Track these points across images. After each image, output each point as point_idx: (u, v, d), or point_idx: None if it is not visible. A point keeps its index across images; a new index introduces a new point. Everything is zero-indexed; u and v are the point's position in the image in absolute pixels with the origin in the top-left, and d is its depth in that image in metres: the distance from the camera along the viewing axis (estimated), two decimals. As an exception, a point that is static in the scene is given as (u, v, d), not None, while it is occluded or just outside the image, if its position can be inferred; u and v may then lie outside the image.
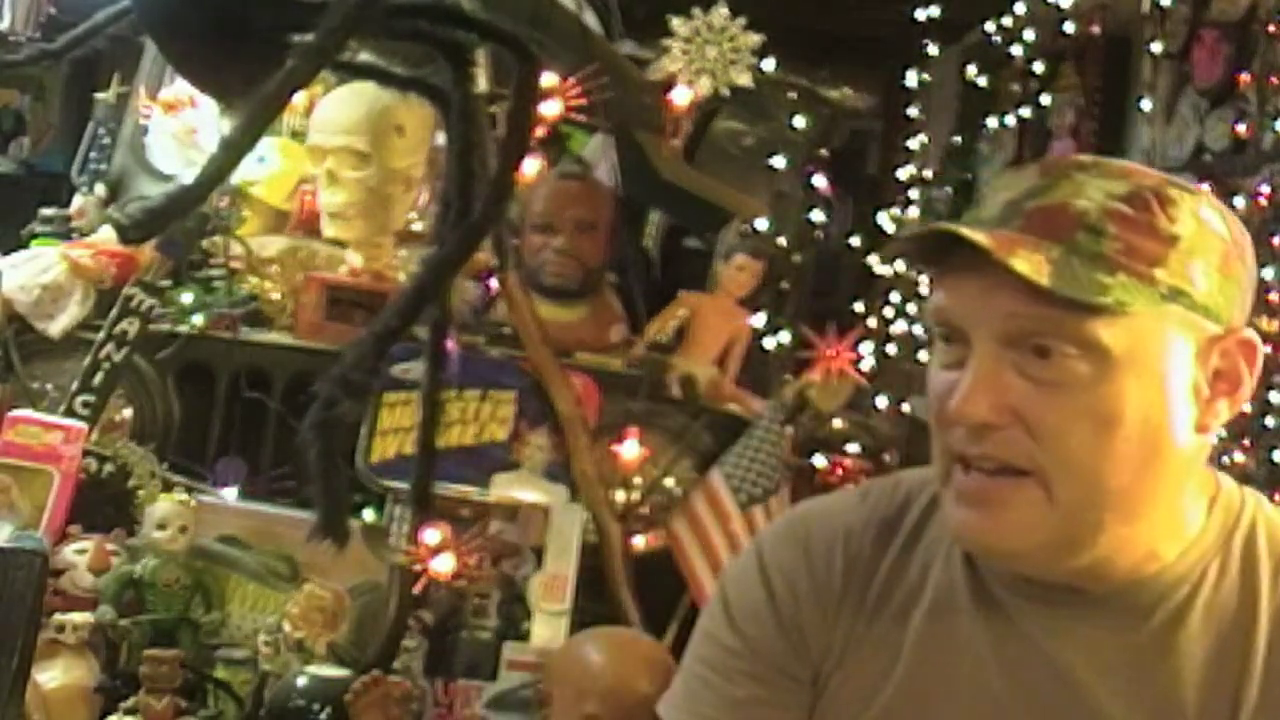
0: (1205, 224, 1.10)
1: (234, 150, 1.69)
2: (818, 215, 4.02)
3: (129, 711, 1.92)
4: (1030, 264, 1.04)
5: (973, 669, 1.16)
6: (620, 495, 2.35)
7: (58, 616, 1.97)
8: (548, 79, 2.30)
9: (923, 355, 5.78)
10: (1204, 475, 1.17)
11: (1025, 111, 5.12)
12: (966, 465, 1.10)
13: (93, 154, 2.88)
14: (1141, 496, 1.10)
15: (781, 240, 3.14)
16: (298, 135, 2.70)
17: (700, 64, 2.53)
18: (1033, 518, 1.08)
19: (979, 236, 1.06)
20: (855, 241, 6.22)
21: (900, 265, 5.95)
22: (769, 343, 3.07)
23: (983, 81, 5.66)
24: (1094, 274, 1.05)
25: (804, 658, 1.21)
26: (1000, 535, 1.10)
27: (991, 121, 5.53)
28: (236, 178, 2.62)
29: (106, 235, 2.43)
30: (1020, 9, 5.11)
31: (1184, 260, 1.07)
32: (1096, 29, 4.77)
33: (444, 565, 2.06)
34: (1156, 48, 4.19)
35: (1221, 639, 1.12)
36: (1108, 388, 1.06)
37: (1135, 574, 1.13)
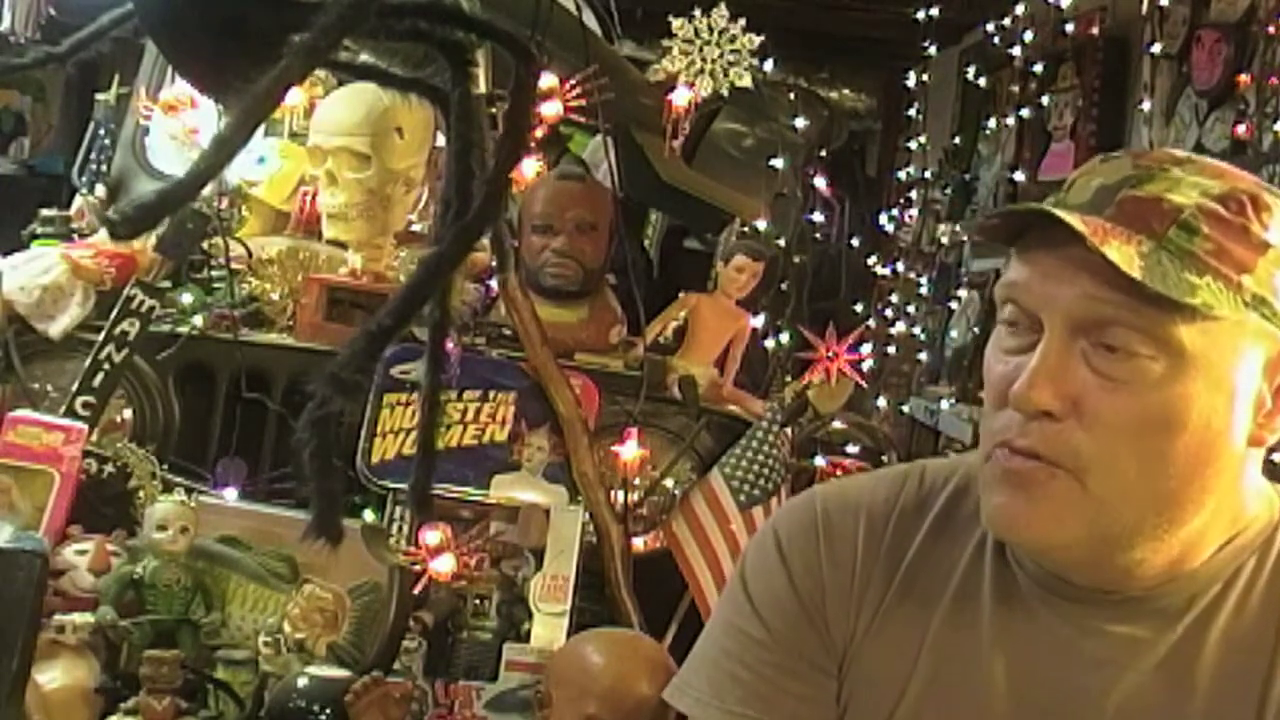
0: None
1: (225, 148, 1.68)
2: (817, 216, 4.01)
3: (129, 712, 1.92)
4: (1122, 255, 1.02)
5: (991, 664, 1.16)
6: (620, 496, 2.35)
7: (58, 617, 1.97)
8: (547, 80, 2.31)
9: (923, 356, 5.79)
10: (1253, 475, 1.15)
11: (1025, 112, 5.12)
12: (1012, 450, 1.09)
13: (93, 155, 2.88)
14: (1185, 502, 1.09)
15: (781, 241, 3.13)
16: (298, 136, 2.70)
17: (700, 65, 2.54)
18: (1069, 511, 1.07)
19: (1074, 220, 1.04)
20: (855, 242, 6.22)
21: (900, 266, 5.97)
22: (769, 344, 3.07)
23: (983, 82, 5.66)
24: (1183, 273, 1.03)
25: (831, 648, 1.20)
26: (1036, 525, 1.09)
27: (991, 122, 5.53)
28: (236, 178, 2.64)
29: (107, 236, 2.43)
30: (1020, 10, 5.11)
31: (1271, 269, 1.06)
32: (1096, 30, 4.77)
33: (444, 566, 2.07)
34: (1156, 49, 4.18)
35: (1252, 635, 1.12)
36: (1176, 389, 1.05)
37: (1170, 573, 1.12)
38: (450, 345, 2.09)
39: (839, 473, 2.65)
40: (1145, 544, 1.10)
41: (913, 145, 5.92)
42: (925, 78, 5.70)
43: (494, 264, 2.40)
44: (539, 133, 2.37)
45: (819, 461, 2.65)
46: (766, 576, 1.23)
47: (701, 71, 2.53)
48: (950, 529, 1.21)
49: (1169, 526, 1.09)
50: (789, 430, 2.44)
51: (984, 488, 1.12)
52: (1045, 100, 5.01)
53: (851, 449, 2.83)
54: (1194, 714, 1.11)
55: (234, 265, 2.50)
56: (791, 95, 5.51)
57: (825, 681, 1.20)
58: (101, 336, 2.31)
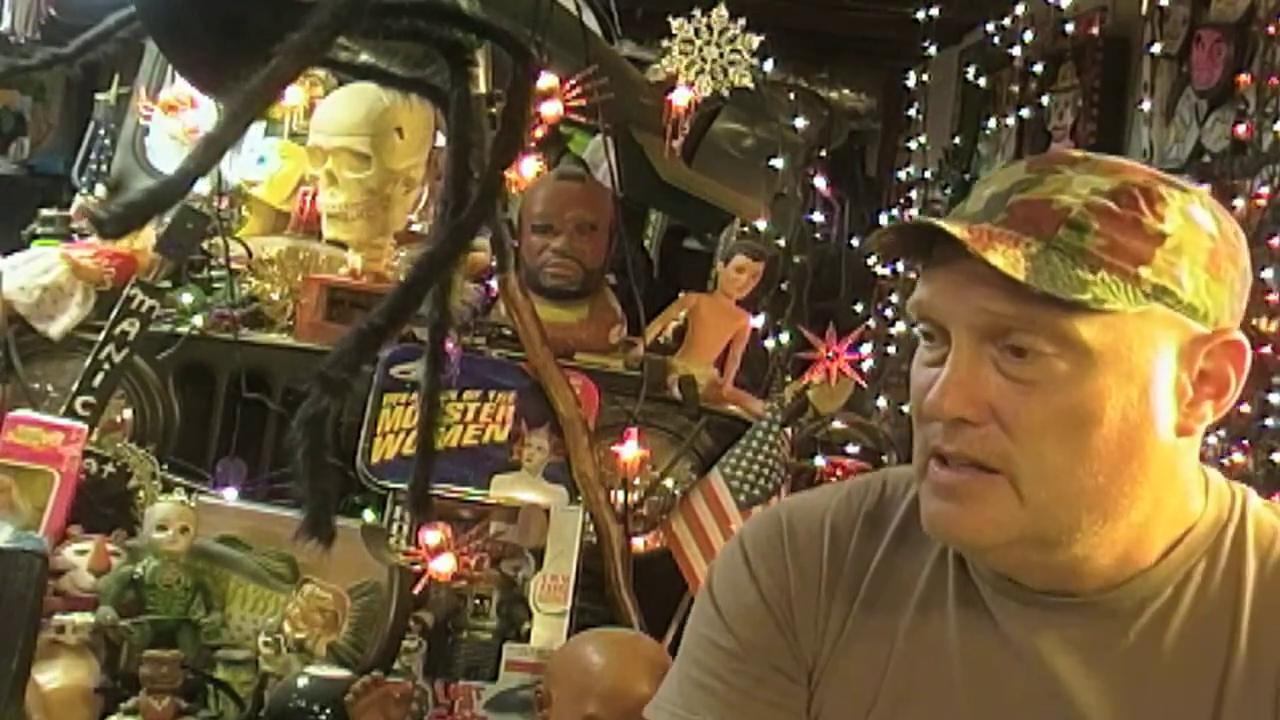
0: (1194, 223, 1.08)
1: (215, 147, 1.68)
2: (817, 216, 4.02)
3: (129, 712, 1.92)
4: (1007, 259, 1.03)
5: (956, 671, 1.16)
6: (620, 496, 2.35)
7: (58, 617, 1.97)
8: (547, 80, 2.31)
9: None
10: (1194, 474, 1.15)
11: (1025, 112, 5.13)
12: (943, 460, 1.10)
13: (93, 155, 2.88)
14: (1118, 497, 1.09)
15: (781, 241, 3.13)
16: (298, 136, 2.70)
17: (700, 65, 2.54)
18: (1003, 514, 1.08)
19: (956, 230, 1.05)
20: (855, 242, 6.22)
21: (900, 266, 5.97)
22: (769, 344, 3.07)
23: (982, 82, 5.66)
24: (1074, 270, 1.04)
25: (799, 657, 1.21)
26: (971, 529, 1.10)
27: (991, 122, 5.54)
28: (236, 178, 2.64)
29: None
30: (1020, 10, 5.12)
31: (1170, 259, 1.06)
32: (1096, 30, 4.78)
33: (444, 566, 2.07)
34: (1156, 49, 4.19)
35: (1206, 637, 1.12)
36: (1086, 386, 1.06)
37: (1120, 574, 1.12)
38: (450, 345, 2.09)
39: (839, 473, 2.65)
40: (1086, 541, 1.10)
41: (913, 145, 5.92)
42: (925, 78, 5.70)
43: (494, 264, 2.40)
44: (539, 133, 2.37)
45: (819, 461, 2.65)
46: (734, 588, 1.24)
47: (701, 71, 2.53)
48: (912, 537, 1.21)
49: (1105, 522, 1.09)
50: (789, 430, 2.44)
51: (922, 497, 1.14)
52: (1045, 100, 5.02)
53: (851, 449, 2.83)
54: (1151, 718, 1.11)
55: (234, 265, 2.50)
56: (791, 95, 5.51)
57: (796, 690, 1.21)
58: (101, 336, 2.31)
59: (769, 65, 2.91)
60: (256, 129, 2.57)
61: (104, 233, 1.72)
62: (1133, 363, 1.06)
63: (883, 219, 6.19)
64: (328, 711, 1.89)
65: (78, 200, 2.77)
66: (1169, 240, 1.07)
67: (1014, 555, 1.12)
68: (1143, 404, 1.07)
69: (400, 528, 2.21)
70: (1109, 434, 1.06)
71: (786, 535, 1.24)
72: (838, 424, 2.78)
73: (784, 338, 3.05)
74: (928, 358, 1.12)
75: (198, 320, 2.43)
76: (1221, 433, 3.31)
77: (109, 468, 2.23)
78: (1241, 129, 3.72)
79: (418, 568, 2.05)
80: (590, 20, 2.86)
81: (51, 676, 1.92)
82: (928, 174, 5.93)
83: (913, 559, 1.21)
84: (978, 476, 1.08)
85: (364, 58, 2.19)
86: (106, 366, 2.30)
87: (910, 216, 5.99)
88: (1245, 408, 3.27)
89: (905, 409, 5.75)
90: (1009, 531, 1.09)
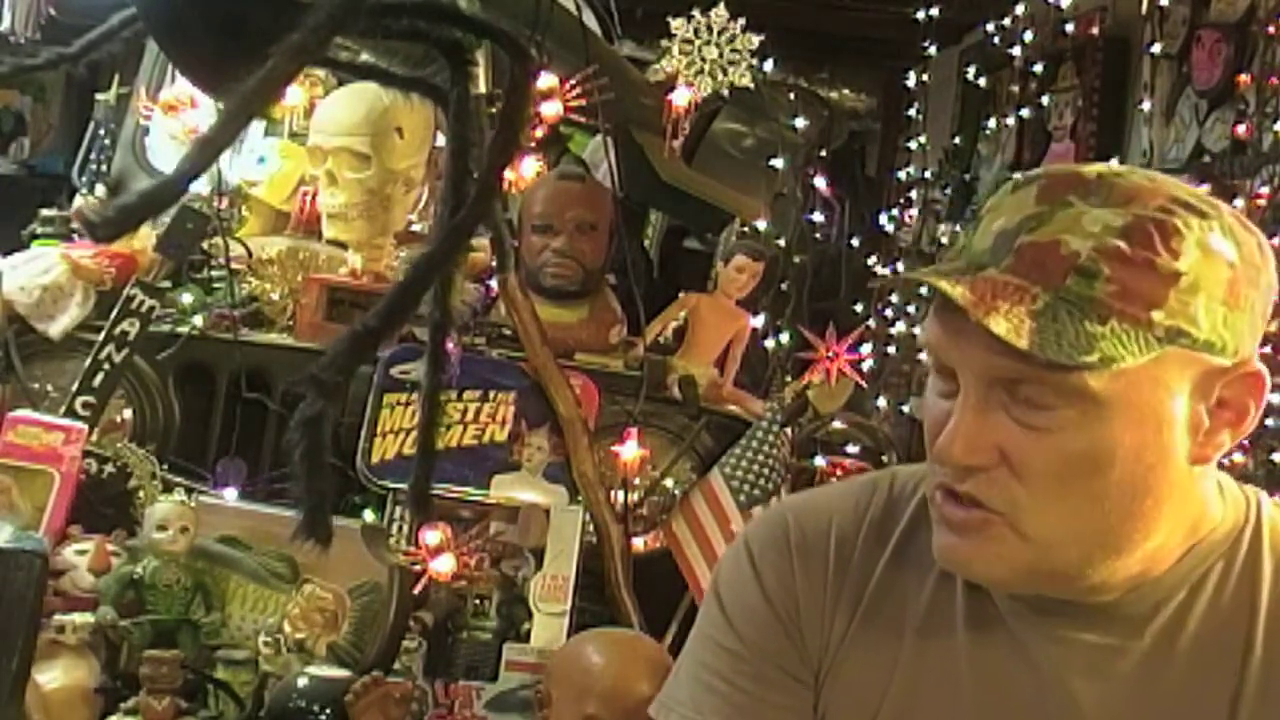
0: (1212, 254, 1.04)
1: (211, 148, 1.68)
2: (817, 216, 4.02)
3: (129, 712, 1.93)
4: (1011, 321, 1.01)
5: (964, 678, 1.16)
6: (620, 496, 2.35)
7: (58, 617, 1.97)
8: (547, 80, 2.31)
9: (924, 356, 5.78)
10: (1210, 487, 1.14)
11: (1025, 112, 5.13)
12: (952, 495, 1.10)
13: (93, 155, 2.88)
14: (1130, 533, 1.08)
15: (781, 241, 3.13)
16: (298, 136, 2.70)
17: (700, 65, 2.54)
18: (1010, 551, 1.08)
19: (958, 291, 1.03)
20: (855, 242, 6.22)
21: (900, 266, 5.97)
22: (769, 344, 3.07)
23: (982, 82, 5.66)
24: (1082, 324, 1.01)
25: (805, 658, 1.21)
26: (981, 563, 1.10)
27: (991, 122, 5.54)
28: (236, 178, 2.64)
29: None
30: (1020, 10, 5.12)
31: (1185, 299, 1.02)
32: (1096, 30, 4.78)
33: (444, 566, 2.07)
34: (1156, 49, 4.19)
35: (1222, 639, 1.11)
36: (1097, 432, 1.03)
37: (1134, 582, 1.12)
38: (450, 345, 2.09)
39: (839, 473, 2.65)
40: (1100, 569, 1.09)
41: (913, 145, 5.92)
42: (925, 78, 5.70)
43: (494, 264, 2.40)
44: (539, 133, 2.37)
45: (819, 461, 2.65)
46: (740, 590, 1.23)
47: (701, 71, 2.54)
48: (919, 541, 1.20)
49: (1118, 554, 1.08)
50: (789, 430, 2.44)
51: (934, 527, 1.13)
52: (1045, 100, 5.02)
53: (851, 449, 2.83)
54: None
55: (234, 265, 2.50)
56: (791, 95, 5.52)
57: (803, 691, 1.21)
58: (101, 336, 2.31)
59: (769, 65, 2.91)
60: (256, 129, 2.58)
61: (97, 236, 1.72)
62: (1145, 407, 1.04)
63: (883, 219, 6.19)
64: (328, 711, 1.89)
65: (78, 200, 2.77)
66: (1184, 279, 1.02)
67: (1024, 587, 1.12)
68: (1156, 444, 1.05)
69: (400, 528, 2.21)
70: (1121, 477, 1.05)
71: (793, 537, 1.23)
72: (838, 424, 2.78)
73: (784, 338, 3.05)
74: (940, 388, 1.11)
75: (198, 320, 2.43)
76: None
77: (109, 468, 2.23)
78: (1241, 129, 3.71)
79: (418, 568, 2.05)
80: (590, 20, 2.86)
81: (51, 676, 1.92)
82: (928, 174, 5.92)
83: (920, 564, 1.20)
84: (981, 515, 1.08)
85: (364, 58, 2.19)
86: (106, 366, 2.30)
87: (910, 217, 6.01)
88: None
89: (905, 409, 5.76)
90: (1018, 568, 1.08)
